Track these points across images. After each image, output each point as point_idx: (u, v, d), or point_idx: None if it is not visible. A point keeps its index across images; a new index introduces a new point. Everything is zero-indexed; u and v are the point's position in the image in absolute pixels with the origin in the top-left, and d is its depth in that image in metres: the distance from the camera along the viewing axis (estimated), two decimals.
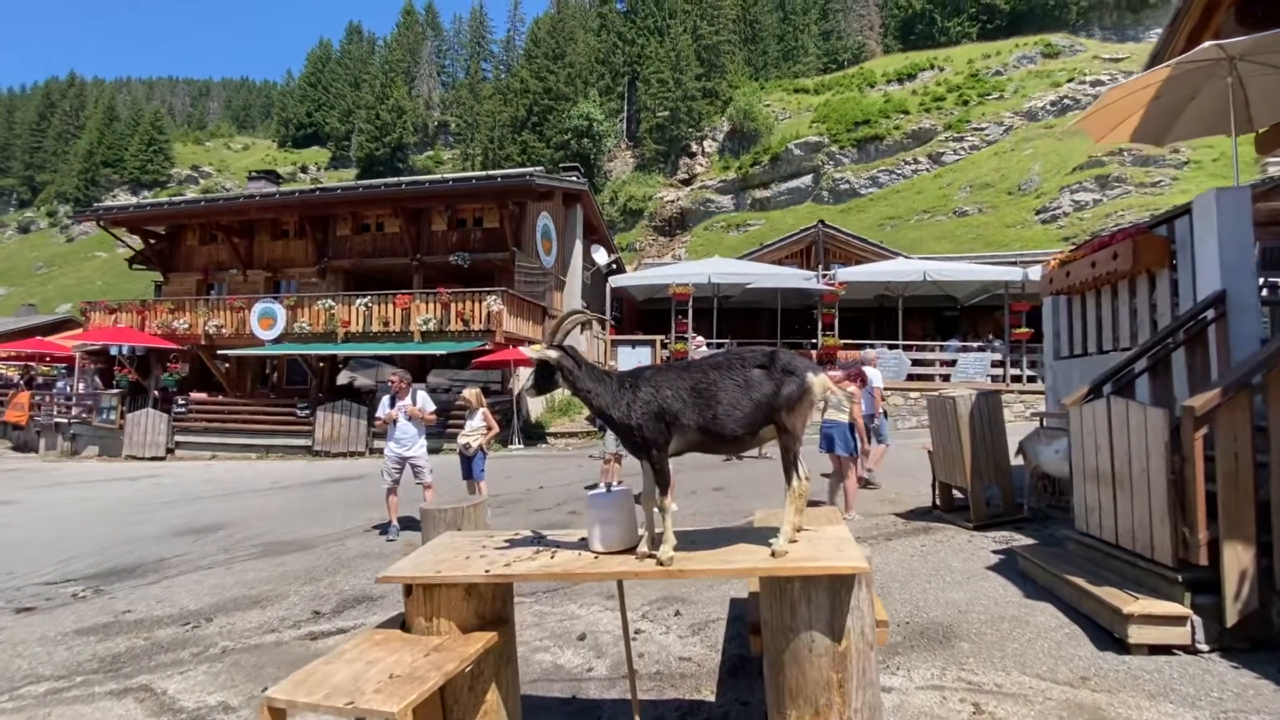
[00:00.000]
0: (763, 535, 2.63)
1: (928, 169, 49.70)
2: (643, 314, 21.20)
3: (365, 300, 15.88)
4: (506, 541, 2.86)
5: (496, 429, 7.75)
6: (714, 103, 56.48)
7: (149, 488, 11.74)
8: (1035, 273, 15.56)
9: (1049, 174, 42.90)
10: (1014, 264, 16.85)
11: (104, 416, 16.66)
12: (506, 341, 14.85)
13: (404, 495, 7.22)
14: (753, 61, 66.27)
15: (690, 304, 15.62)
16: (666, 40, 57.94)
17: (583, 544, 2.76)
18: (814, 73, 68.30)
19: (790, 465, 2.49)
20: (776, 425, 2.45)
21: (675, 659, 3.79)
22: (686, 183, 52.56)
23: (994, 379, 15.26)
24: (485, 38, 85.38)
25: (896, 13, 72.08)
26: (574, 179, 18.41)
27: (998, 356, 15.50)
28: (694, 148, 54.45)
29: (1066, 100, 50.18)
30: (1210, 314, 4.60)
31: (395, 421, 6.92)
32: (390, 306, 15.67)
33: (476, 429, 7.51)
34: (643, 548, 2.52)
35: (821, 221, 19.18)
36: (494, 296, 14.89)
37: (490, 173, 17.91)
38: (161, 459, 15.58)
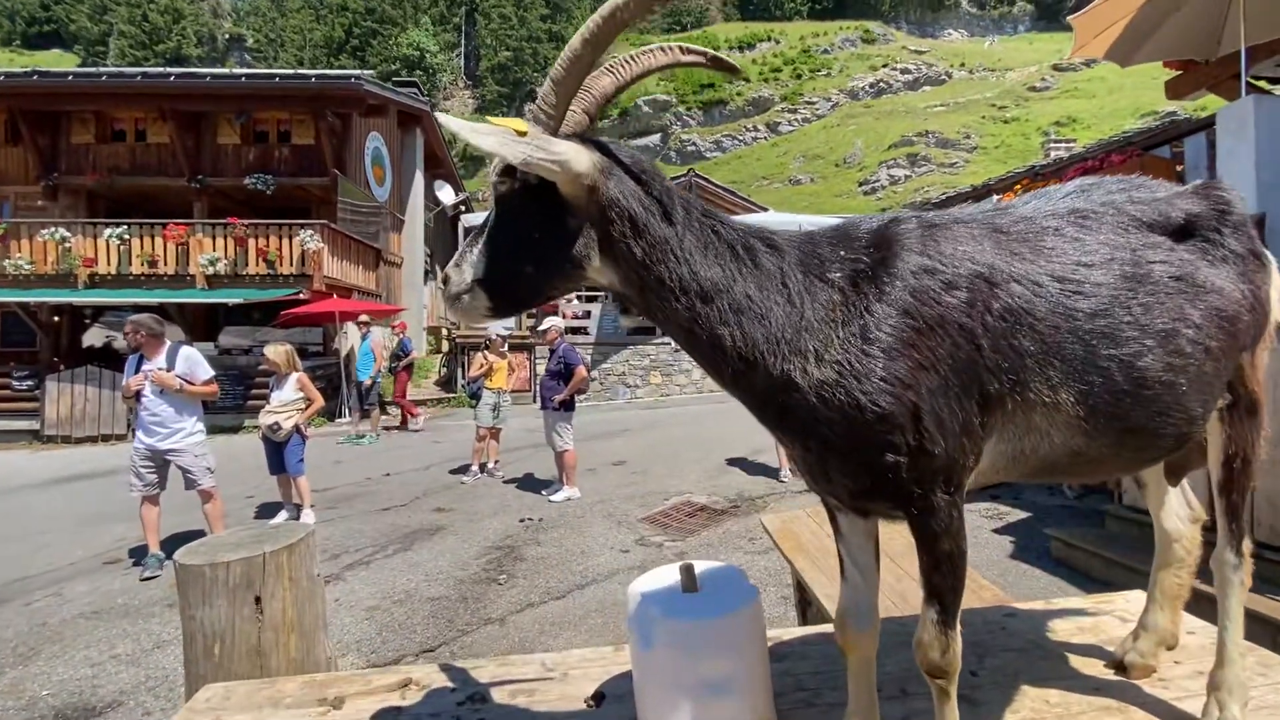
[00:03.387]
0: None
1: (766, 137, 51.71)
2: None
3: (119, 231, 11.76)
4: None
5: (320, 402, 5.46)
6: (560, 48, 53.36)
7: None
8: None
9: (869, 150, 46.42)
10: None
11: None
12: (328, 289, 11.85)
13: (178, 501, 4.73)
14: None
15: None
16: None
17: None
18: (659, 31, 67.81)
19: (1235, 501, 0.98)
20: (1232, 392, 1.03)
21: None
22: None
23: None
24: None
25: None
26: (414, 95, 15.27)
27: None
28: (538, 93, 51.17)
29: (882, 84, 54.73)
30: None
31: (140, 395, 4.35)
32: (158, 240, 11.77)
33: (289, 404, 5.17)
34: None
35: (692, 170, 18.15)
36: (310, 231, 11.72)
37: (303, 70, 14.14)
38: None
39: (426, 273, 16.69)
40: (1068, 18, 5.21)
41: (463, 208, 17.98)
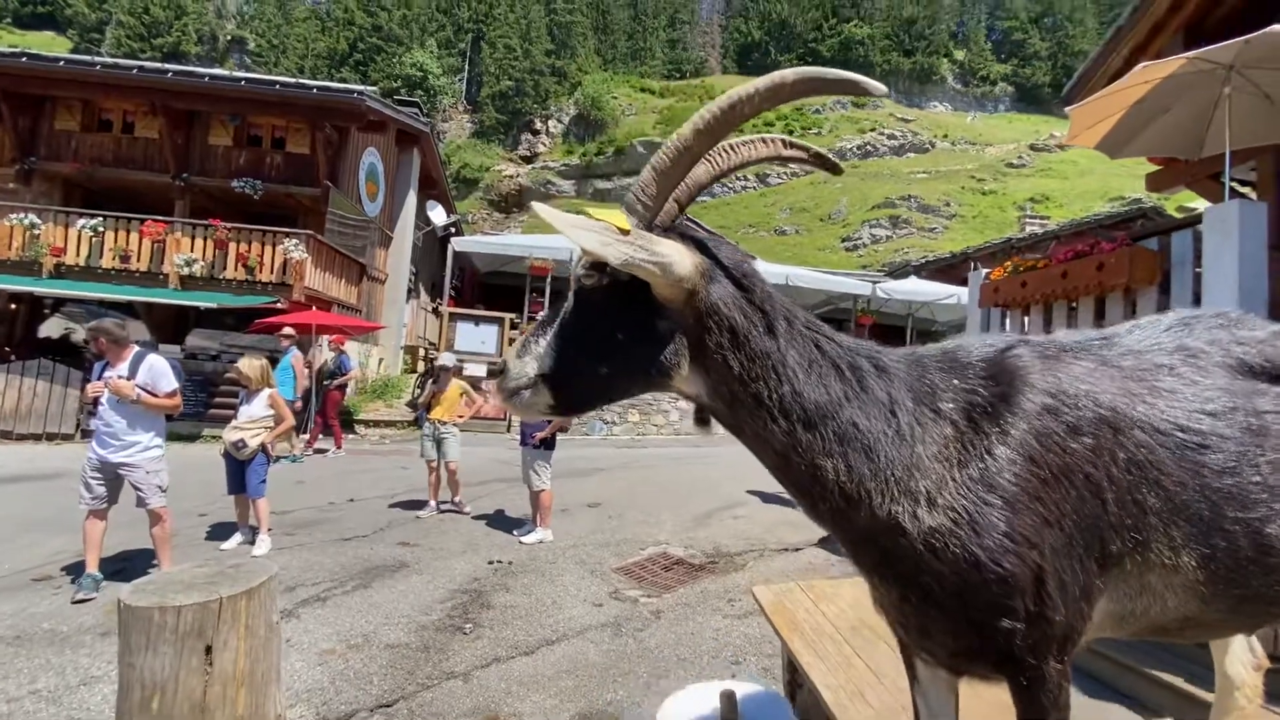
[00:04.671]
0: None
1: (755, 188, 52.98)
2: (485, 288, 18.57)
3: (94, 223, 11.41)
4: None
5: (290, 422, 5.24)
6: (562, 83, 54.51)
7: None
8: (888, 286, 16.17)
9: (854, 208, 47.84)
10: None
11: None
12: (308, 301, 11.58)
13: (129, 517, 4.43)
14: (602, 52, 65.75)
15: (549, 282, 13.63)
16: (517, 5, 54.55)
17: None
18: (659, 76, 69.91)
19: None
20: None
21: None
22: (528, 160, 49.91)
23: None
24: None
25: (737, 37, 76.63)
26: (415, 115, 15.29)
27: None
28: (538, 125, 51.91)
29: (869, 147, 56.83)
30: None
31: (98, 402, 4.09)
32: (134, 235, 11.43)
33: (258, 420, 4.95)
34: None
35: (684, 214, 18.42)
36: (295, 240, 11.51)
37: (305, 80, 14.09)
38: None
39: (410, 291, 16.48)
40: (1067, 108, 5.42)
41: (453, 230, 17.90)
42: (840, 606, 2.64)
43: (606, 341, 0.80)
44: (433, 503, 6.47)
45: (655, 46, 72.55)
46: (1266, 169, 5.78)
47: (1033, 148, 51.15)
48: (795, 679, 2.55)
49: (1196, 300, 4.97)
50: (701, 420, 0.95)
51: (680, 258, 0.73)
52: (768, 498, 7.03)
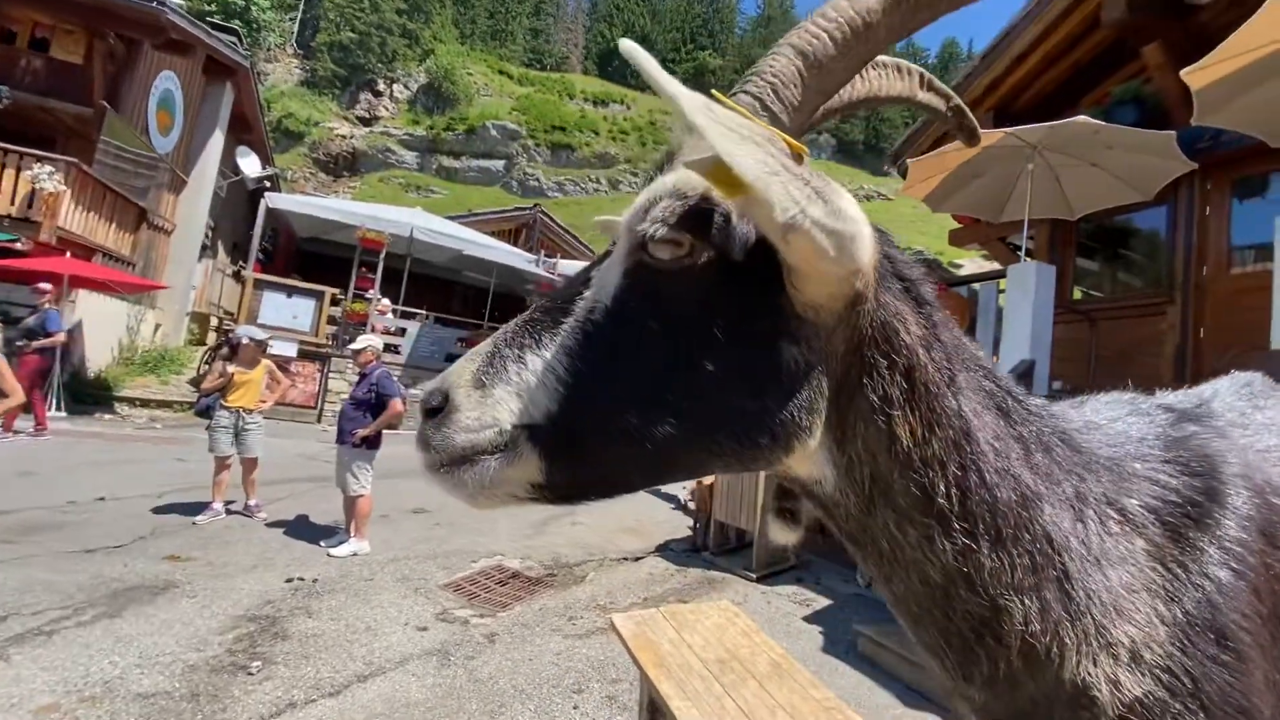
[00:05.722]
0: None
1: (606, 192, 53.72)
2: (304, 255, 16.32)
3: None
4: None
5: (18, 398, 4.03)
6: (413, 47, 50.81)
7: None
8: None
9: None
10: None
11: None
12: (61, 245, 9.28)
13: None
14: (460, 24, 62.62)
15: (383, 257, 12.28)
16: None
17: None
18: (519, 63, 68.27)
19: None
20: None
21: None
22: (366, 122, 45.71)
23: None
24: None
25: (600, 41, 77.36)
26: (233, 45, 13.00)
27: None
28: (382, 87, 47.77)
29: None
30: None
31: None
32: None
33: None
34: None
35: (538, 206, 17.82)
36: (50, 168, 9.15)
37: None
38: None
39: (205, 248, 14.04)
40: (909, 160, 5.95)
41: (268, 184, 15.59)
42: (705, 636, 2.51)
43: (682, 374, 0.47)
44: (217, 504, 5.38)
45: (517, 31, 70.68)
46: (1043, 238, 6.87)
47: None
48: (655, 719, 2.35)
49: (995, 344, 5.73)
50: (792, 517, 0.65)
51: (867, 226, 0.45)
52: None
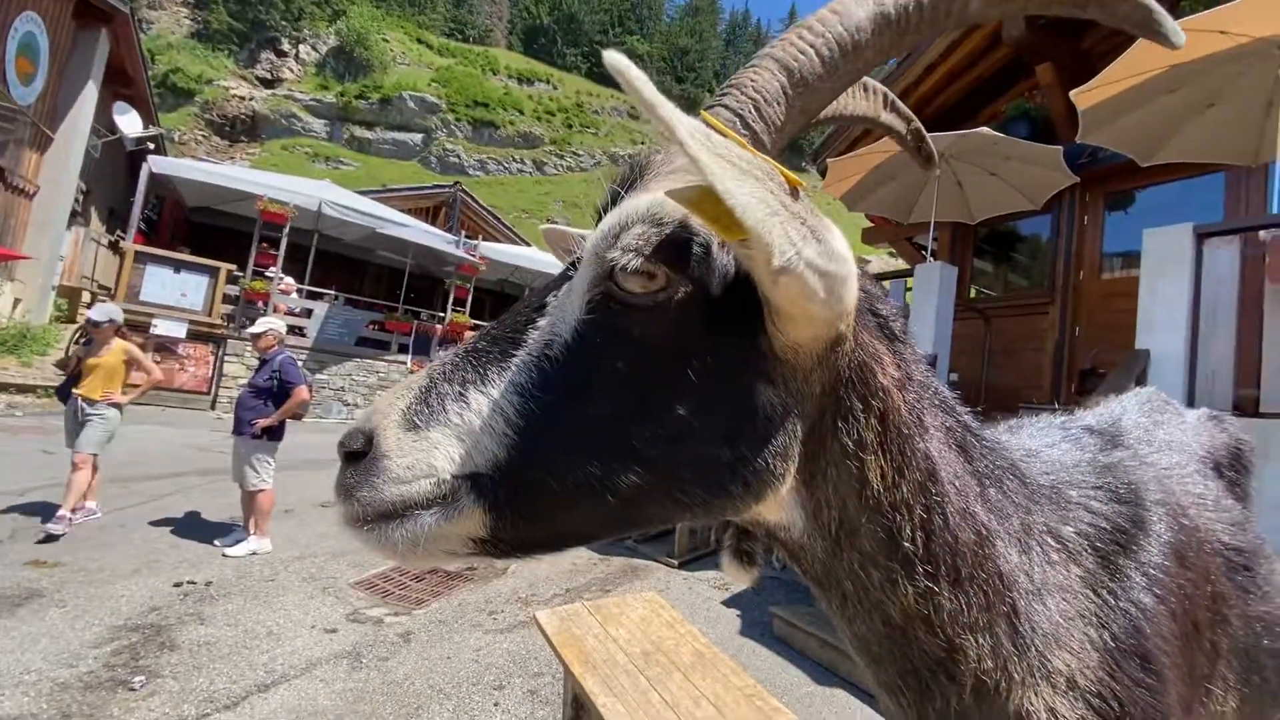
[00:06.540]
0: None
1: (530, 173, 52.59)
2: (194, 227, 14.90)
3: None
4: None
5: None
6: (322, 7, 47.42)
7: None
8: None
9: None
10: None
11: None
12: None
13: None
14: None
15: (286, 232, 11.41)
16: None
17: None
18: (439, 32, 65.45)
19: None
20: None
21: None
22: (269, 84, 42.32)
23: None
24: None
25: (526, 17, 75.33)
26: None
27: None
28: (286, 47, 44.32)
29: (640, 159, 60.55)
30: None
31: None
32: None
33: None
34: None
35: (459, 184, 17.12)
36: None
37: None
38: None
39: (75, 214, 12.58)
40: (828, 160, 6.16)
41: (151, 146, 14.14)
42: (630, 629, 2.52)
43: (649, 419, 0.44)
44: (91, 503, 4.85)
45: None
46: (945, 239, 7.32)
47: None
48: (580, 716, 2.35)
49: None
50: (748, 558, 0.63)
51: (854, 265, 0.43)
52: None
